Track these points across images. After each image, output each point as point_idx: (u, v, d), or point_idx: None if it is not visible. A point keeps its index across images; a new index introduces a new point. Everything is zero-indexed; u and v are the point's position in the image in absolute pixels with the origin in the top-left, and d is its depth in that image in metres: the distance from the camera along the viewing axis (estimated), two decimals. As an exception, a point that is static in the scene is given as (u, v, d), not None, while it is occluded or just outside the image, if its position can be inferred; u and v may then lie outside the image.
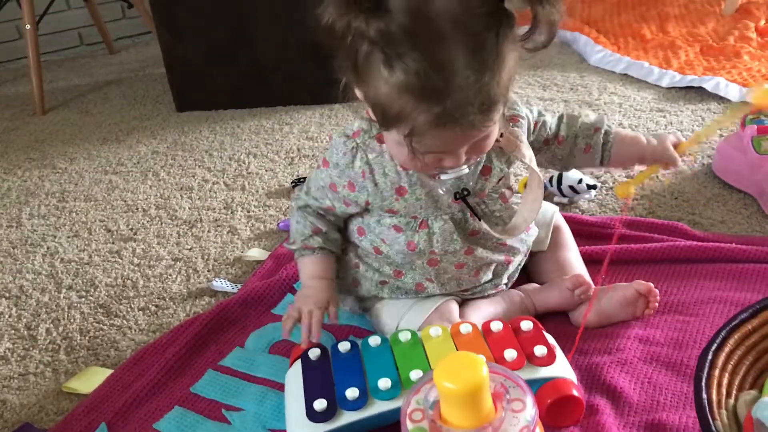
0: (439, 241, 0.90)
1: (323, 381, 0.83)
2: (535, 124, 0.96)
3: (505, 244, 0.95)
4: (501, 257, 0.96)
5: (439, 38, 0.67)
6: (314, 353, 0.86)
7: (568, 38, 2.19)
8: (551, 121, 0.98)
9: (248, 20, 1.90)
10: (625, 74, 1.90)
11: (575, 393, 0.78)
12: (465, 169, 0.83)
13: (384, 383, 0.79)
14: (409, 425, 0.60)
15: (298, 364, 0.87)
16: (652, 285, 0.96)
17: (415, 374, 0.79)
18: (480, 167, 0.89)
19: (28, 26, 2.10)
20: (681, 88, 1.75)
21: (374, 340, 0.86)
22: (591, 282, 0.97)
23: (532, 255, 1.05)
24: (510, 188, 0.95)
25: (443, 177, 0.85)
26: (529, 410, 0.59)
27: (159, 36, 1.98)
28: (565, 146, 0.99)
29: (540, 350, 0.80)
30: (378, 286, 0.97)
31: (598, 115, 1.01)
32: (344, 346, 0.87)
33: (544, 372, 0.79)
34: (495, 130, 0.79)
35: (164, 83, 2.07)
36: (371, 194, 0.88)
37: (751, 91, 0.93)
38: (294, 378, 0.85)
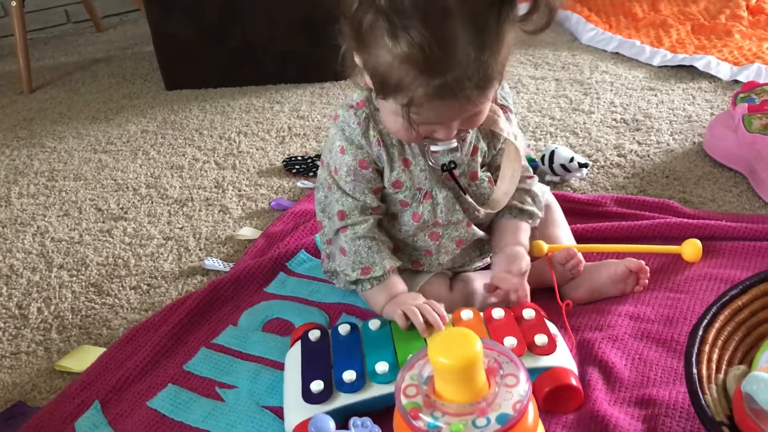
0: (443, 211, 0.91)
1: (322, 362, 0.83)
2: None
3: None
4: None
5: (445, 14, 0.70)
6: (314, 334, 0.87)
7: (560, 16, 2.18)
8: (521, 145, 0.95)
9: (238, -2, 1.88)
10: (617, 53, 1.90)
11: (573, 382, 0.78)
12: (454, 143, 0.85)
13: (381, 367, 0.79)
14: (403, 400, 0.60)
15: (298, 344, 0.87)
16: (642, 262, 0.97)
17: None
18: (470, 148, 0.90)
19: (13, 3, 2.07)
20: (672, 67, 1.76)
21: (374, 324, 0.87)
22: (581, 257, 0.98)
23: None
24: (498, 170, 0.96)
25: (433, 148, 0.86)
26: (523, 385, 0.60)
27: (148, 13, 1.96)
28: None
29: (541, 339, 0.80)
30: None
31: (534, 207, 0.98)
32: (344, 329, 0.87)
33: (544, 361, 0.79)
34: (487, 107, 0.82)
35: (153, 61, 2.05)
36: (384, 163, 0.89)
37: (685, 246, 1.01)
38: (293, 358, 0.85)
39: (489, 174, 0.96)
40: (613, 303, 0.96)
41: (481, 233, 0.96)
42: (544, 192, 1.07)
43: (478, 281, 0.96)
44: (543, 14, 0.73)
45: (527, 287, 0.91)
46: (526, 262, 0.92)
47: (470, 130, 0.89)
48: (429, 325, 0.83)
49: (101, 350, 1.00)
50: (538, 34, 0.75)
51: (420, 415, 0.58)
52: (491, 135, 0.93)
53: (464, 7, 0.70)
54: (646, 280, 0.98)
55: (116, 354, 0.98)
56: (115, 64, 2.30)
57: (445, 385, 0.58)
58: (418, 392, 0.60)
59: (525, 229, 0.96)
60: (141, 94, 2.02)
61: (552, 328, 0.85)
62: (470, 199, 0.92)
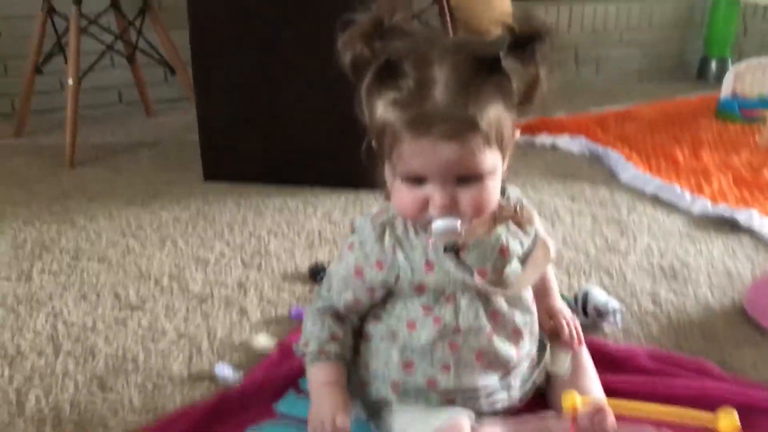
0: (466, 316, 0.88)
1: None
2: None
3: (518, 333, 0.93)
4: (512, 351, 0.93)
5: (430, 63, 0.77)
6: None
7: (599, 153, 2.19)
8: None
9: (285, 99, 1.91)
10: (656, 196, 1.88)
11: None
12: (457, 222, 0.81)
13: None
14: None
15: None
16: None
17: None
18: (499, 245, 0.88)
19: (70, 81, 2.14)
20: (713, 217, 1.73)
21: None
22: (611, 412, 0.92)
23: (551, 381, 1.00)
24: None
25: (434, 225, 0.82)
26: None
27: (196, 103, 2.00)
28: None
29: None
30: (387, 387, 0.92)
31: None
32: None
33: None
34: (488, 191, 0.81)
35: (196, 151, 2.07)
36: (402, 268, 0.87)
37: (721, 418, 0.90)
38: None
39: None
40: (642, 471, 0.90)
41: (503, 352, 0.91)
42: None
43: (502, 429, 0.90)
44: (524, 83, 0.79)
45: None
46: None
47: (477, 214, 0.85)
48: None
49: (94, 453, 0.95)
50: (520, 103, 0.80)
51: None
52: (523, 235, 0.92)
53: (447, 58, 0.77)
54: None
55: (108, 459, 0.93)
56: (158, 149, 2.34)
57: None
58: None
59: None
60: (179, 181, 2.03)
61: None
62: (478, 280, 0.88)
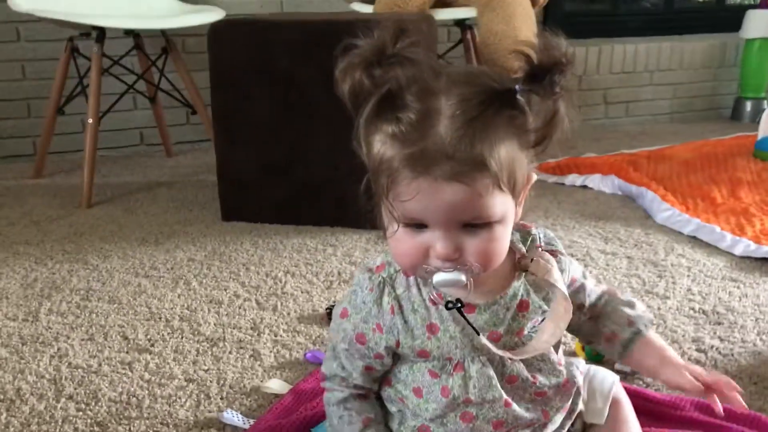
0: (476, 387, 0.77)
1: None
2: (573, 280, 0.85)
3: (542, 394, 0.81)
4: (538, 413, 0.82)
5: (434, 93, 0.68)
6: None
7: (634, 193, 2.10)
8: (592, 288, 0.88)
9: (304, 138, 1.88)
10: (694, 237, 1.79)
11: None
12: (461, 276, 0.71)
13: None
14: None
15: None
16: None
17: None
18: (516, 301, 0.78)
19: (90, 120, 2.11)
20: (757, 259, 1.62)
21: None
22: None
23: (588, 430, 0.90)
24: None
25: (435, 278, 0.72)
26: None
27: (215, 143, 1.97)
28: (591, 323, 0.89)
29: None
30: None
31: (642, 310, 0.89)
32: None
33: None
34: (497, 239, 0.71)
35: (214, 191, 2.03)
36: (401, 333, 0.77)
37: None
38: None
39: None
40: None
41: (526, 415, 0.80)
42: (613, 382, 0.92)
43: None
44: (540, 118, 0.69)
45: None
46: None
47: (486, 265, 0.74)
48: None
49: (87, 507, 0.87)
50: (538, 143, 0.70)
51: None
52: (544, 289, 0.80)
53: (453, 89, 0.67)
54: None
55: None
56: (176, 189, 2.30)
57: None
58: None
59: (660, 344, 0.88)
60: (196, 221, 1.98)
61: None
62: (486, 342, 0.76)
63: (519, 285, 0.78)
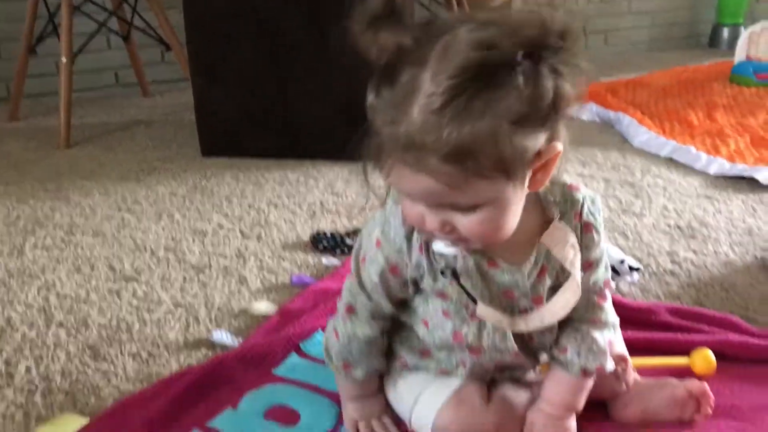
0: (491, 336, 0.77)
1: None
2: (589, 263, 0.77)
3: (543, 348, 0.82)
4: (531, 358, 0.83)
5: (422, 63, 0.60)
6: None
7: (611, 118, 2.12)
8: (600, 277, 0.80)
9: (284, 72, 1.86)
10: (670, 158, 1.82)
11: None
12: (454, 251, 0.72)
13: None
14: None
15: None
16: (707, 387, 0.84)
17: None
18: (538, 268, 0.75)
19: (64, 59, 2.08)
20: (730, 177, 1.66)
21: None
22: (630, 360, 0.86)
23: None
24: None
25: (433, 246, 0.73)
26: None
27: (192, 82, 1.95)
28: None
29: None
30: (398, 362, 0.85)
31: (599, 352, 0.80)
32: None
33: None
34: (489, 221, 0.66)
35: (193, 129, 2.02)
36: (426, 272, 0.75)
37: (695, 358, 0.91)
38: None
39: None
40: (667, 427, 0.84)
41: (525, 363, 0.82)
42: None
43: (522, 397, 0.83)
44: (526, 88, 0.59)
45: None
46: None
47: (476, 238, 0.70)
48: None
49: (85, 421, 0.89)
50: (547, 121, 0.61)
51: None
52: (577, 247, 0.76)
53: (441, 63, 0.59)
54: (709, 409, 0.84)
55: (100, 427, 0.87)
56: (154, 128, 2.28)
57: None
58: None
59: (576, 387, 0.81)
60: (176, 158, 1.98)
61: None
62: (481, 308, 0.75)
63: (543, 250, 0.75)
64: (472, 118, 0.59)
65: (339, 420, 0.88)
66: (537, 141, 0.63)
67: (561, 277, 0.76)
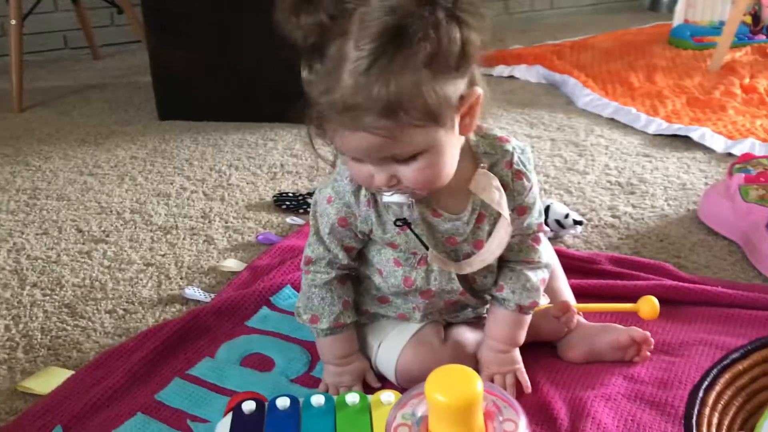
0: (437, 279, 0.86)
1: None
2: (523, 209, 0.86)
3: (488, 290, 0.90)
4: (478, 298, 0.92)
5: (344, 35, 0.68)
6: (248, 406, 0.79)
7: (557, 80, 2.21)
8: (533, 221, 0.88)
9: (241, 34, 1.88)
10: (612, 119, 1.92)
11: None
12: (403, 198, 0.79)
13: None
14: (394, 440, 0.56)
15: (229, 417, 0.79)
16: (648, 335, 0.94)
17: None
18: (475, 215, 0.83)
19: (13, 21, 2.06)
20: (667, 136, 1.77)
21: (317, 400, 0.79)
22: (574, 308, 0.95)
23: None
24: None
25: (384, 198, 0.80)
26: (522, 431, 0.56)
27: (147, 43, 1.95)
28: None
29: None
30: (360, 318, 0.92)
31: (532, 287, 0.89)
32: (283, 402, 0.79)
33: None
34: (428, 167, 0.73)
35: (148, 91, 2.03)
36: (375, 224, 0.83)
37: (641, 303, 0.99)
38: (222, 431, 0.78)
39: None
40: (606, 363, 0.93)
41: (471, 299, 0.90)
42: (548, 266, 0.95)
43: (474, 337, 0.92)
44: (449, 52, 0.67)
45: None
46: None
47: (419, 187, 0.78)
48: None
49: (69, 373, 0.94)
50: (441, 63, 0.68)
51: (412, 456, 0.54)
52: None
53: (361, 32, 0.67)
54: (648, 353, 0.94)
55: (84, 378, 0.93)
56: (109, 91, 2.28)
57: (441, 424, 0.54)
58: (410, 432, 0.56)
59: (515, 322, 0.89)
60: (133, 121, 1.99)
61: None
62: (434, 253, 0.83)
63: (478, 198, 0.82)
64: (395, 73, 0.66)
65: (312, 364, 0.95)
66: (457, 87, 0.71)
67: (498, 222, 0.84)
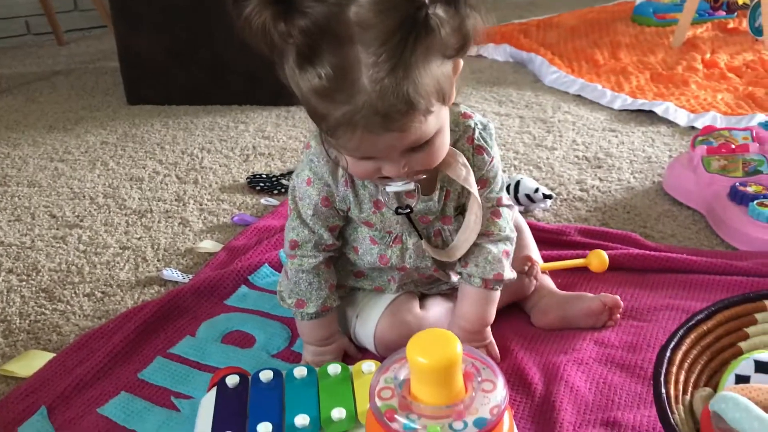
0: (412, 257, 0.88)
1: (236, 412, 0.76)
2: (485, 182, 0.88)
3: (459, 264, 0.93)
4: (450, 274, 0.95)
5: (347, 41, 0.66)
6: (232, 380, 0.80)
7: (524, 58, 2.24)
8: (494, 195, 0.90)
9: (208, 17, 1.87)
10: (579, 95, 1.95)
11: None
12: (410, 185, 0.80)
13: (301, 420, 0.72)
14: (378, 402, 0.58)
15: (213, 391, 0.81)
16: (618, 298, 0.97)
17: (338, 413, 0.72)
18: (444, 192, 0.86)
19: (-26, 7, 2.02)
20: (632, 111, 1.81)
21: (300, 372, 0.80)
22: (537, 262, 0.99)
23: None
24: None
25: (388, 188, 0.81)
26: (500, 391, 0.59)
27: (114, 26, 1.94)
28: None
29: None
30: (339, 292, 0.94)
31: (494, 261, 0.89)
32: (266, 375, 0.80)
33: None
34: (438, 147, 0.75)
35: (115, 76, 2.02)
36: (352, 203, 0.85)
37: (591, 257, 1.06)
38: (206, 406, 0.79)
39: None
40: (579, 329, 0.97)
41: (447, 277, 0.93)
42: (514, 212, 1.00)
43: (447, 307, 0.95)
44: (455, 37, 0.68)
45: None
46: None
47: (429, 171, 0.80)
48: None
49: (50, 355, 0.95)
50: (455, 55, 0.70)
51: (396, 416, 0.57)
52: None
53: (366, 34, 0.65)
54: (618, 316, 0.98)
55: (66, 359, 0.94)
56: (75, 77, 2.25)
57: (422, 386, 0.57)
58: (393, 395, 0.59)
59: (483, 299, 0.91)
60: (101, 107, 1.98)
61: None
62: (425, 245, 0.86)
63: (444, 176, 0.84)
64: (421, 67, 0.66)
65: (292, 340, 0.97)
66: (456, 62, 0.73)
67: (462, 197, 0.87)
